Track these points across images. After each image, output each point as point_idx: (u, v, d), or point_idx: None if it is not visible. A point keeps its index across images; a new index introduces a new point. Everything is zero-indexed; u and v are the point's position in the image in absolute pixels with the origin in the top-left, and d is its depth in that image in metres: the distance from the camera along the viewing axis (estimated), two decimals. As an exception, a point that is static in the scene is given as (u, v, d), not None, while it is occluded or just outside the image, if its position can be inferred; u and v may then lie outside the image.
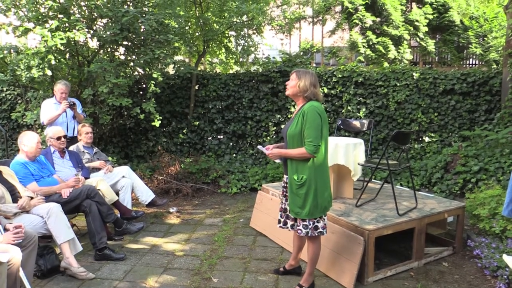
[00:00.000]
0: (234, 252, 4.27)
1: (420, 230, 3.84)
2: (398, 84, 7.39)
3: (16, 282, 3.07)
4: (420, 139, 7.47)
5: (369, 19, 13.12)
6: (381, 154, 6.96)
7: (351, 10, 13.40)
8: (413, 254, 3.87)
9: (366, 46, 12.95)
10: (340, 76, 7.61)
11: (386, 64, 10.39)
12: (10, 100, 8.52)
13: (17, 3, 6.37)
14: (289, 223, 3.43)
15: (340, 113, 7.66)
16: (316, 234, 3.23)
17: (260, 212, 4.93)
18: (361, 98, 7.57)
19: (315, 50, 15.62)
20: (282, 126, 7.73)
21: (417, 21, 13.39)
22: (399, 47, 13.06)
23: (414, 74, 7.37)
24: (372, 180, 5.33)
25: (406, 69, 7.54)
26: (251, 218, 5.13)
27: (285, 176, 3.37)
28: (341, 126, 5.28)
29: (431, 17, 13.69)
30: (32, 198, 3.84)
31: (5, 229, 3.27)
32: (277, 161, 3.40)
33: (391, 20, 13.16)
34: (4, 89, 8.41)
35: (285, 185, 3.37)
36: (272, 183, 5.31)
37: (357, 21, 13.29)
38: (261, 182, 6.61)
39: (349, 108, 7.56)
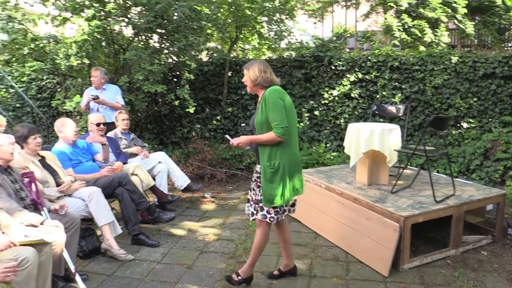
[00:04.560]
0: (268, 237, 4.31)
1: (458, 218, 3.76)
2: (435, 68, 7.17)
3: (60, 262, 3.22)
4: (458, 125, 7.24)
5: (404, 2, 12.70)
6: (417, 140, 6.81)
7: (386, -8, 13.03)
8: (450, 242, 3.80)
9: (401, 30, 12.58)
10: (374, 60, 7.45)
11: (422, 48, 10.07)
12: (50, 88, 8.82)
13: (55, -7, 6.54)
14: (256, 211, 3.22)
15: (375, 98, 7.51)
16: (283, 217, 3.19)
17: (293, 198, 4.94)
18: (396, 83, 7.40)
19: (348, 35, 15.33)
20: (315, 112, 7.68)
21: (455, 2, 12.86)
22: (436, 30, 12.61)
23: (452, 57, 7.12)
24: (407, 166, 5.23)
25: (444, 53, 7.29)
26: (284, 203, 5.14)
27: (257, 166, 3.23)
28: (376, 112, 5.19)
29: (470, -2, 13.14)
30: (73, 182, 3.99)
31: (50, 211, 3.43)
32: (248, 147, 3.29)
33: (427, 2, 12.70)
34: (44, 77, 8.70)
35: (259, 175, 3.19)
36: (305, 169, 5.30)
37: (392, 4, 12.91)
38: (294, 168, 6.60)
39: (384, 93, 7.41)
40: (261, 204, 3.14)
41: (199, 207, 5.38)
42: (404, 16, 12.64)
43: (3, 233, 2.86)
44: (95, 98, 5.37)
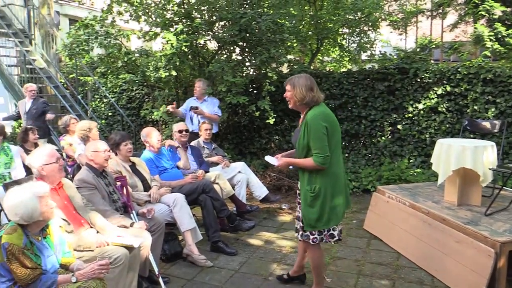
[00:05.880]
0: (347, 254, 4.19)
1: None
2: (535, 81, 6.57)
3: (146, 263, 3.38)
4: (562, 143, 6.55)
5: (498, 10, 11.84)
6: (513, 159, 6.27)
7: (477, 1, 12.23)
8: (555, 273, 3.42)
9: (494, 40, 11.72)
10: (465, 72, 6.99)
11: (518, 59, 9.28)
12: (138, 98, 9.41)
13: (147, 11, 7.00)
14: (300, 232, 3.17)
15: (465, 113, 7.04)
16: (333, 243, 3.10)
17: (375, 214, 4.77)
18: (490, 97, 6.88)
19: (433, 46, 14.62)
20: (398, 126, 7.36)
21: (558, 9, 11.77)
22: (536, 39, 11.59)
23: (556, 69, 6.48)
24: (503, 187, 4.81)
25: (546, 64, 6.66)
26: (364, 220, 4.97)
27: (299, 183, 3.19)
28: (468, 127, 4.87)
29: None
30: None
31: (138, 214, 3.62)
32: (291, 167, 3.15)
33: (525, 10, 11.76)
34: (134, 88, 9.30)
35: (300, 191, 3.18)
36: (387, 185, 5.10)
37: (483, 13, 12.09)
38: (374, 183, 6.38)
39: (475, 107, 6.91)
40: (302, 225, 3.12)
41: (276, 219, 5.38)
42: (497, 25, 11.76)
43: (97, 232, 3.07)
44: (195, 109, 5.68)
